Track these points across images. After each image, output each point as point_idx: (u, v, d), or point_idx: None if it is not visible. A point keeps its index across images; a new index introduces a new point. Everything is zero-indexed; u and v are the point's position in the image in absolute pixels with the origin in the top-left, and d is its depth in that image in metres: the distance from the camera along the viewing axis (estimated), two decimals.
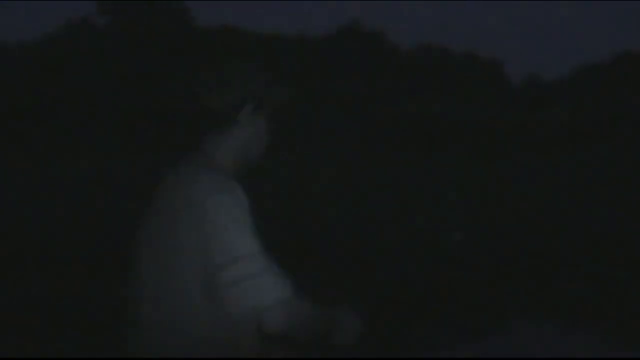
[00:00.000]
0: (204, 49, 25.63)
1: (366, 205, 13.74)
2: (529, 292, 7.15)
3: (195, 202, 1.61)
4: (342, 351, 1.63)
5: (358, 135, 26.31)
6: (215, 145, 1.73)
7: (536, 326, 5.87)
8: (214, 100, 1.70)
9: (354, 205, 13.51)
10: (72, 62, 26.77)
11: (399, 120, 27.50)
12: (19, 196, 13.67)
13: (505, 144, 27.03)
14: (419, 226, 11.52)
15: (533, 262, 8.77)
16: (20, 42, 28.72)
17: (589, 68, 35.51)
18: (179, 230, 1.60)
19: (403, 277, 7.65)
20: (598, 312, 6.42)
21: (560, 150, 25.33)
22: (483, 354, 5.08)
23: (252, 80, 1.76)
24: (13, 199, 13.11)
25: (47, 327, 5.57)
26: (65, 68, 26.53)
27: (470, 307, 6.22)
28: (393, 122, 27.40)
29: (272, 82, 1.79)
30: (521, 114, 29.85)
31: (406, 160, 23.92)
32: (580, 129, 27.25)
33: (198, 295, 1.54)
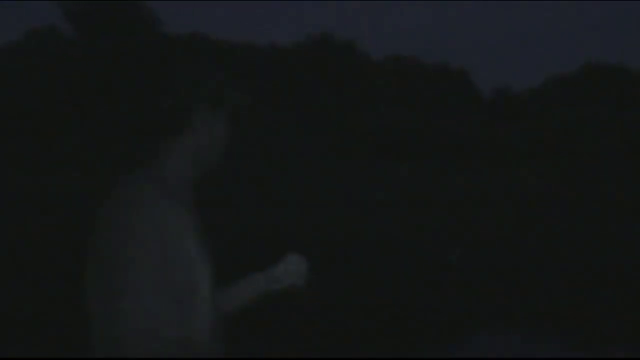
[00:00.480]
0: (172, 55, 25.41)
1: (330, 214, 13.62)
2: (498, 302, 7.07)
3: (144, 220, 1.50)
4: (299, 295, 1.60)
5: (326, 144, 26.22)
6: (167, 151, 1.63)
7: (503, 336, 5.80)
8: (164, 102, 1.62)
9: (320, 215, 13.38)
10: (38, 69, 26.35)
11: (368, 130, 27.50)
12: None
13: (474, 155, 27.16)
14: (384, 234, 11.41)
15: (502, 271, 8.71)
16: None
17: (558, 79, 35.98)
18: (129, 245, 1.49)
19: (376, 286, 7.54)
20: (569, 321, 6.37)
21: (528, 161, 25.51)
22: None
23: (206, 81, 1.68)
24: None
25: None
26: (31, 75, 26.10)
27: (442, 315, 6.13)
28: (362, 132, 27.39)
29: (230, 84, 1.70)
30: (491, 125, 30.06)
31: (376, 170, 23.85)
32: (549, 140, 27.50)
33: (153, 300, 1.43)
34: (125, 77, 24.64)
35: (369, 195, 17.19)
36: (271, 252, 8.88)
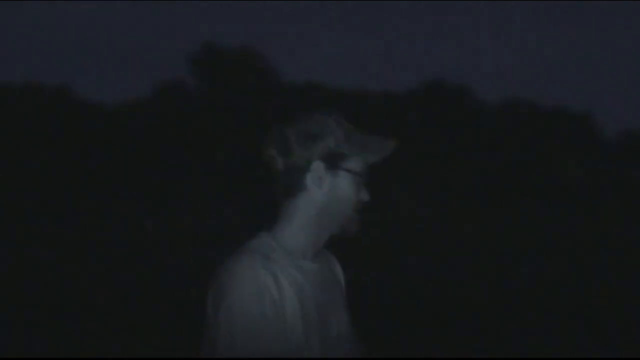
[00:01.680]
0: (288, 105, 26.00)
1: (446, 261, 13.23)
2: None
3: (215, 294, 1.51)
4: None
5: (446, 191, 25.79)
6: (288, 212, 1.59)
7: None
8: (280, 162, 1.58)
9: (440, 263, 13.03)
10: (165, 123, 27.65)
11: (486, 177, 26.83)
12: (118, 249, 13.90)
13: (599, 202, 25.84)
14: (511, 285, 10.92)
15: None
16: (117, 103, 29.95)
17: None
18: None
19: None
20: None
21: None
22: None
23: (323, 136, 1.59)
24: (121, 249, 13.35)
25: None
26: (159, 129, 27.41)
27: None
28: (480, 178, 26.76)
29: (354, 135, 1.62)
30: (615, 170, 28.58)
31: (494, 216, 23.17)
32: None
33: None
34: (253, 131, 25.31)
35: (486, 240, 16.64)
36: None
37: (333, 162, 1.57)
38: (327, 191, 1.59)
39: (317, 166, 1.56)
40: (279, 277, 1.48)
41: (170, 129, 27.42)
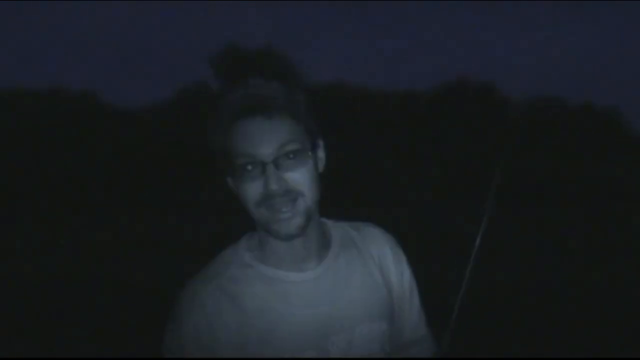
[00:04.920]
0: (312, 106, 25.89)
1: (478, 265, 12.96)
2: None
3: None
4: None
5: (470, 192, 25.47)
6: None
7: None
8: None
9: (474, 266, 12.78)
10: (190, 126, 27.70)
11: (513, 177, 26.47)
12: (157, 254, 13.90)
13: (631, 200, 25.33)
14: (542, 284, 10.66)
15: None
16: (140, 107, 30.06)
17: None
18: None
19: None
20: None
21: None
22: None
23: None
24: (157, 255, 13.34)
25: None
26: (182, 132, 27.47)
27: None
28: (506, 178, 26.39)
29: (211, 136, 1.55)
30: None
31: (522, 218, 22.83)
32: None
33: None
34: None
35: (512, 242, 16.35)
36: None
37: (218, 169, 1.50)
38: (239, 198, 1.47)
39: (221, 172, 1.52)
40: (235, 296, 1.36)
41: (193, 132, 27.46)
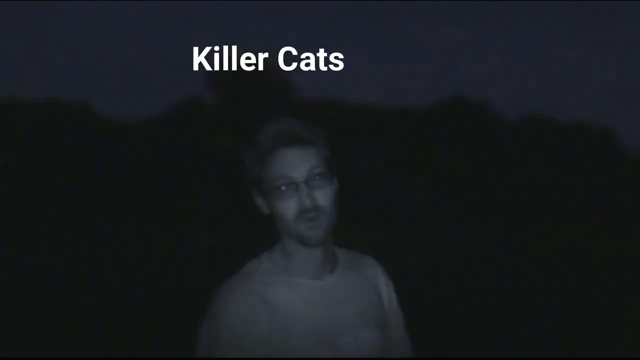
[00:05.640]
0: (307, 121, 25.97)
1: (466, 278, 13.07)
2: None
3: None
4: None
5: (462, 208, 25.59)
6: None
7: None
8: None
9: (455, 280, 12.88)
10: (186, 139, 27.75)
11: (506, 193, 26.59)
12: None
13: (621, 218, 25.50)
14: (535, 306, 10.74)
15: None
16: (136, 120, 30.10)
17: None
18: None
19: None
20: None
21: None
22: None
23: (244, 163, 1.76)
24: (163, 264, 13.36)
25: None
26: (178, 145, 27.51)
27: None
28: (500, 195, 26.52)
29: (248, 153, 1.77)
30: (638, 187, 28.18)
31: (513, 234, 22.92)
32: None
33: None
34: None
35: (505, 258, 16.43)
36: None
37: (254, 186, 1.75)
38: (273, 213, 1.73)
39: (254, 194, 1.75)
40: (266, 298, 1.59)
41: (189, 145, 27.52)
